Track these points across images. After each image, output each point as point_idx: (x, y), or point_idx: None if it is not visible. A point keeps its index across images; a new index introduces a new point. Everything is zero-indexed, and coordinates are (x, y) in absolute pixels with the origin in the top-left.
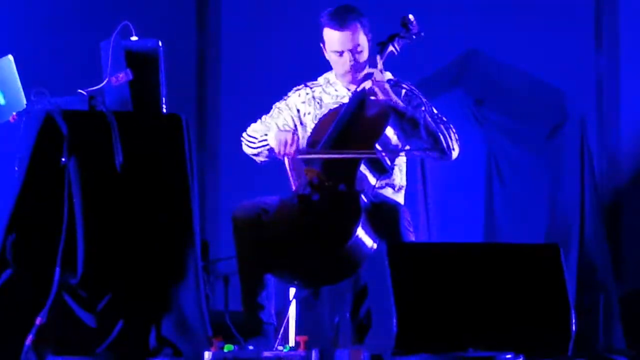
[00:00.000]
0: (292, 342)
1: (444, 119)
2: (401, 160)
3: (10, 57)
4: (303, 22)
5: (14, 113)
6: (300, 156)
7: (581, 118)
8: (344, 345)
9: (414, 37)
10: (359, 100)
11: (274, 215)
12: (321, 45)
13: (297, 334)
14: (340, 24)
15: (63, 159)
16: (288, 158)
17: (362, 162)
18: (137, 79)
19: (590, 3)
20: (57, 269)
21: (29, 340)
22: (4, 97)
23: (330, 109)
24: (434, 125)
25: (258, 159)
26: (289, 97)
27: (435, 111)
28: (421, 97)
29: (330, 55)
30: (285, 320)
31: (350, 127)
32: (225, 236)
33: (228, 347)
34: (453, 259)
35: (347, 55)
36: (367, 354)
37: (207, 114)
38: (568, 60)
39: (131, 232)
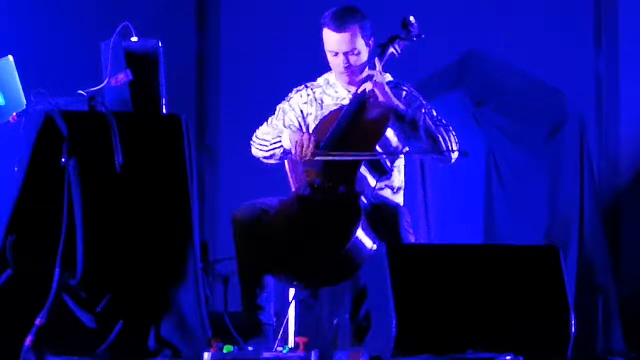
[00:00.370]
0: (291, 344)
1: (444, 121)
2: (400, 162)
3: (11, 57)
4: (303, 23)
5: (14, 114)
6: (318, 158)
7: (581, 118)
8: (343, 346)
9: (414, 39)
10: (360, 102)
11: (274, 217)
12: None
13: (296, 335)
14: (338, 26)
15: (63, 160)
16: (304, 159)
17: (363, 163)
18: (137, 79)
19: (589, 3)
20: (57, 270)
21: (28, 340)
22: (4, 98)
23: (331, 111)
24: (434, 127)
25: (270, 162)
26: (291, 98)
27: (435, 114)
28: (421, 99)
29: (327, 54)
30: (285, 322)
31: (351, 129)
32: (224, 237)
33: (227, 348)
34: (453, 261)
35: (341, 57)
36: (367, 355)
37: (207, 114)
38: (567, 61)
39: (131, 233)
